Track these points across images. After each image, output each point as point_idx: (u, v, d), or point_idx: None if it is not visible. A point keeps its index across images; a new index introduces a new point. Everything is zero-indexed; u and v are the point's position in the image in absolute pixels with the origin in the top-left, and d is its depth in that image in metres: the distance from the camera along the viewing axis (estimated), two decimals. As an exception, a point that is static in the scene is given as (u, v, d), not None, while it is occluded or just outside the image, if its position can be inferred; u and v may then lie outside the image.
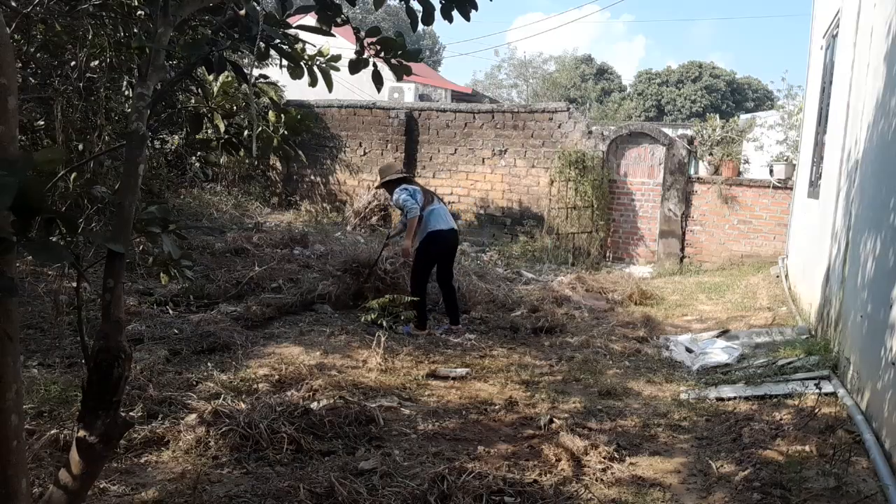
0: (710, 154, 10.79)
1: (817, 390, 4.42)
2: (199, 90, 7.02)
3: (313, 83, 2.80)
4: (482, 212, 12.42)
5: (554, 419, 4.23)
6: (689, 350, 6.08)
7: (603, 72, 42.97)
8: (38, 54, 5.77)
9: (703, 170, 10.92)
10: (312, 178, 14.12)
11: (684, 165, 10.81)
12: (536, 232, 11.51)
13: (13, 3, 4.08)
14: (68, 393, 4.08)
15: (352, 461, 3.52)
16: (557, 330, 6.70)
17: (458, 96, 25.17)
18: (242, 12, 2.44)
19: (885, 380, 3.60)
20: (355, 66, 2.82)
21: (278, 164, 14.27)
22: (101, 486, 3.09)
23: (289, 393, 4.35)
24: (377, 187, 6.80)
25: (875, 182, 4.47)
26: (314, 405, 4.06)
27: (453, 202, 12.67)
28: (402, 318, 6.58)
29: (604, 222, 11.13)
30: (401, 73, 2.80)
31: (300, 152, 13.36)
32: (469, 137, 12.41)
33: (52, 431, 3.45)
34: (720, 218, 10.66)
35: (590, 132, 11.33)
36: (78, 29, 5.04)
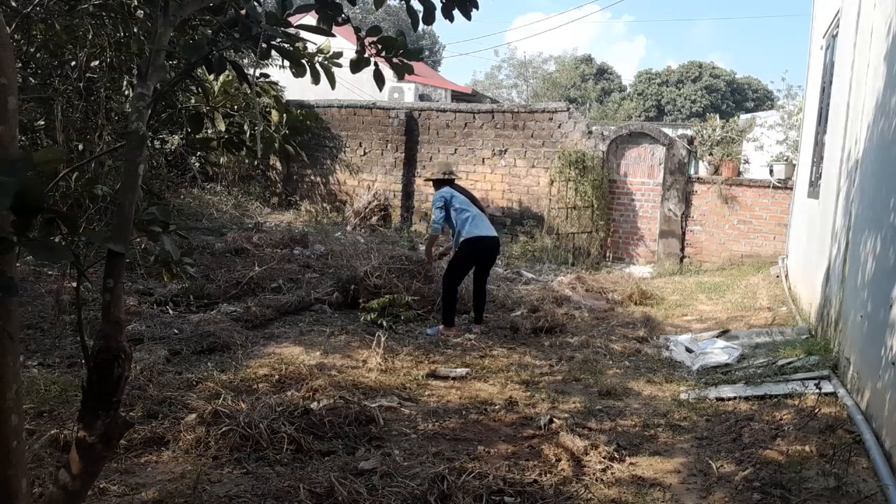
0: (710, 154, 10.79)
1: (817, 390, 4.42)
2: (200, 90, 7.02)
3: (315, 81, 2.80)
4: (482, 212, 12.41)
5: (554, 419, 4.23)
6: (689, 350, 6.07)
7: (603, 72, 42.97)
8: (38, 54, 5.77)
9: (703, 170, 10.92)
10: (312, 178, 14.12)
11: (684, 165, 10.81)
12: (536, 232, 11.51)
13: (13, 3, 4.07)
14: (68, 393, 4.09)
15: (352, 461, 3.52)
16: (557, 330, 6.70)
17: (458, 96, 25.14)
18: (243, 12, 2.44)
19: (885, 380, 3.60)
20: (357, 66, 2.82)
21: (278, 164, 14.27)
22: (101, 486, 3.09)
23: (289, 393, 4.35)
24: (425, 180, 6.90)
25: (875, 182, 4.46)
26: (314, 405, 4.06)
27: (453, 202, 12.66)
28: (403, 317, 6.60)
29: (604, 222, 11.13)
30: (402, 71, 2.79)
31: (301, 152, 13.39)
32: (469, 137, 12.41)
33: (52, 431, 3.46)
34: (720, 218, 10.66)
35: (590, 132, 11.33)
36: (78, 29, 5.04)
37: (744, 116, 14.63)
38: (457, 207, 6.39)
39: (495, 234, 6.59)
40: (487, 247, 6.47)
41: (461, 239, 6.38)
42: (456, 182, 6.77)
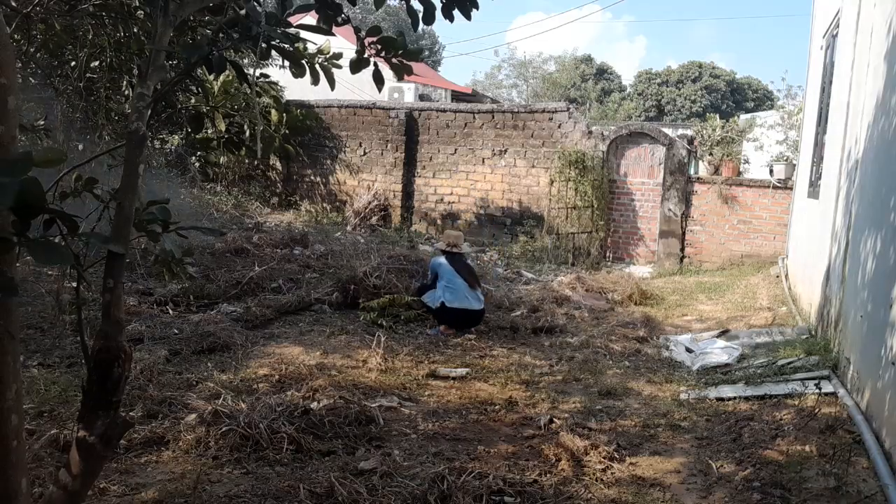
0: (710, 154, 10.79)
1: (817, 390, 4.42)
2: (200, 90, 7.01)
3: (315, 82, 2.79)
4: (482, 212, 12.42)
5: (554, 419, 4.23)
6: (689, 350, 6.08)
7: (603, 72, 42.93)
8: (38, 54, 5.76)
9: (703, 170, 10.92)
10: (312, 178, 14.12)
11: (684, 165, 10.81)
12: (536, 232, 11.52)
13: (13, 3, 4.07)
14: (68, 393, 4.09)
15: (352, 461, 3.52)
16: (557, 330, 6.70)
17: (458, 96, 25.13)
18: (243, 12, 2.44)
19: (885, 379, 3.60)
20: (356, 66, 2.81)
21: (278, 164, 14.28)
22: (101, 486, 3.09)
23: (289, 393, 4.35)
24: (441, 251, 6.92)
25: (875, 181, 4.47)
26: (314, 405, 4.06)
27: (453, 202, 12.68)
28: (402, 317, 6.60)
29: (604, 222, 11.13)
30: (402, 72, 2.78)
31: (301, 152, 13.39)
32: (469, 137, 12.41)
33: (52, 431, 3.46)
34: (720, 218, 10.66)
35: (590, 132, 11.34)
36: (78, 29, 5.03)
37: (744, 116, 14.64)
38: (442, 278, 6.47)
39: (480, 306, 6.52)
40: (466, 318, 6.46)
41: (442, 302, 6.39)
42: (457, 254, 6.71)
